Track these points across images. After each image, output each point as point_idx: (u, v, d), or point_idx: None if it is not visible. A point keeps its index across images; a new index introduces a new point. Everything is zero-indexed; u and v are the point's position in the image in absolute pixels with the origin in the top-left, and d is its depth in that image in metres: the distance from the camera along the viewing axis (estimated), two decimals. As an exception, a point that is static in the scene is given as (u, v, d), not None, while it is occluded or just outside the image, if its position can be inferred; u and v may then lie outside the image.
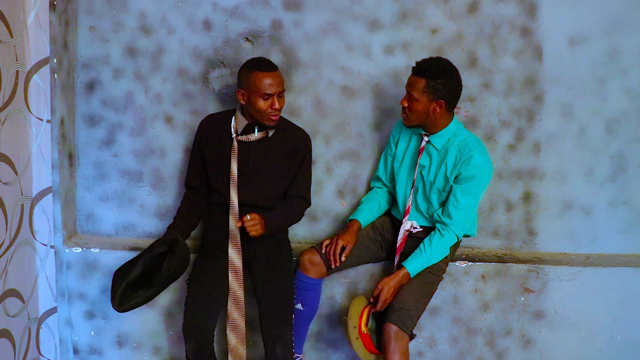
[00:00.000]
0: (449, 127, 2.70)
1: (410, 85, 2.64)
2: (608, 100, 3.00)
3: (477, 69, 2.99)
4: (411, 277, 2.66)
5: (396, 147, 2.86)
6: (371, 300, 2.67)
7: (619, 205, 3.06)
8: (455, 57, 2.88)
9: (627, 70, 2.97)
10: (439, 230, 2.68)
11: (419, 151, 2.75)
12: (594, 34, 2.95)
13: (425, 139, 2.73)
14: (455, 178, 2.66)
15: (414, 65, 2.64)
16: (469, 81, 2.98)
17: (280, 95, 2.66)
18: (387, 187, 2.92)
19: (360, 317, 2.64)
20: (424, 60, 2.64)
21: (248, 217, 2.60)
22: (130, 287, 2.60)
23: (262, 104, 2.62)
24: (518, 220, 3.08)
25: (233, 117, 2.79)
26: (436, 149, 2.71)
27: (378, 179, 2.95)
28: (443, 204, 2.71)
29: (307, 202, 2.88)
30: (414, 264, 2.66)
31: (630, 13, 2.93)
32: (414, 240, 2.77)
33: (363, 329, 2.62)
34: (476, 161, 2.63)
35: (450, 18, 2.96)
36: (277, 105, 2.63)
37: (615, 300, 2.93)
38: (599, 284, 2.92)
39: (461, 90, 2.69)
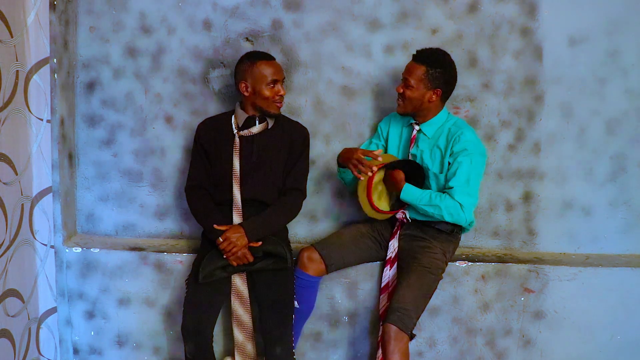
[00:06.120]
0: (440, 115, 2.78)
1: (408, 72, 2.71)
2: (608, 100, 3.00)
3: (477, 69, 2.99)
4: (401, 191, 2.68)
5: (387, 141, 2.89)
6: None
7: (619, 205, 3.06)
8: (455, 57, 2.87)
9: (627, 70, 2.98)
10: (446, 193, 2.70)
11: (410, 141, 2.80)
12: (594, 34, 2.95)
13: (417, 128, 2.79)
14: (450, 156, 2.70)
15: (415, 53, 2.71)
16: (469, 81, 2.98)
17: (283, 82, 2.78)
18: None
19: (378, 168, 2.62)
20: (425, 49, 2.74)
21: (220, 239, 2.62)
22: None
23: (268, 91, 2.71)
24: (518, 220, 3.08)
25: (232, 116, 2.82)
26: (427, 137, 2.77)
27: None
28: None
29: (303, 194, 2.86)
30: (411, 188, 2.67)
31: (630, 13, 2.94)
32: (411, 241, 2.77)
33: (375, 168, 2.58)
34: (466, 137, 2.70)
35: (450, 18, 2.96)
36: (282, 92, 2.74)
37: (615, 300, 2.92)
38: (599, 284, 2.92)
39: (456, 83, 2.76)
